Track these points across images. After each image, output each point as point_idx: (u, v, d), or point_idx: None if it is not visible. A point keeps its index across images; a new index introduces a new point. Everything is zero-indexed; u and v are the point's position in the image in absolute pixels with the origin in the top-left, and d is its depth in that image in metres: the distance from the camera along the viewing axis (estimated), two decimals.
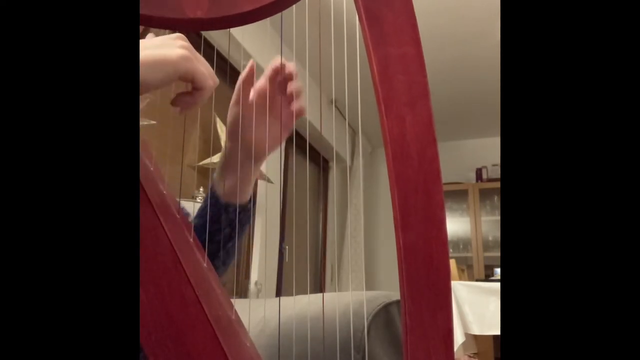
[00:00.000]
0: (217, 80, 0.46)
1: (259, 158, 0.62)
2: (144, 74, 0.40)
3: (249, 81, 0.59)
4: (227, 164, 0.62)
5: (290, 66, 0.58)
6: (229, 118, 0.60)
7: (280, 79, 0.59)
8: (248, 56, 2.21)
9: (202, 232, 0.58)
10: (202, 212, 0.64)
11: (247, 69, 0.59)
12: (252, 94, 0.60)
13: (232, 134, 0.61)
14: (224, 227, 0.62)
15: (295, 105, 0.57)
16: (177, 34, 0.45)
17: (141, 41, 0.43)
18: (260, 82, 0.60)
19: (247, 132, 0.59)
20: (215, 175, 0.64)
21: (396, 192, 0.36)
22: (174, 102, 0.45)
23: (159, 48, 0.42)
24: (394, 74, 0.38)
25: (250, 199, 0.65)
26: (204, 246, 0.52)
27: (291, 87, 0.57)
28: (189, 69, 0.42)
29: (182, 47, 0.43)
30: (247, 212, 0.64)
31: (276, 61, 0.58)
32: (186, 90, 0.45)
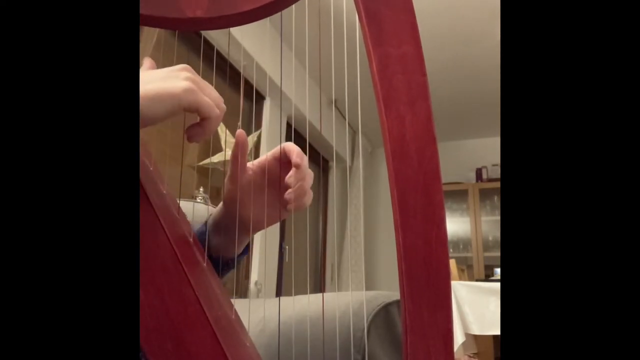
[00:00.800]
0: (223, 107, 0.46)
1: (254, 231, 0.61)
2: (147, 107, 0.40)
3: (242, 153, 0.56)
4: (219, 226, 0.61)
5: (298, 155, 0.56)
6: (224, 190, 0.59)
7: (285, 161, 0.57)
8: (248, 56, 2.21)
9: None
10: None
11: (235, 143, 0.55)
12: (250, 170, 0.58)
13: (226, 204, 0.60)
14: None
15: (296, 203, 0.56)
16: (183, 65, 0.45)
17: (144, 73, 0.43)
18: (261, 160, 0.58)
19: (241, 209, 0.58)
20: (209, 222, 0.63)
21: (396, 191, 0.36)
22: (188, 138, 0.45)
23: (163, 81, 0.42)
24: (393, 73, 0.38)
25: (244, 250, 0.63)
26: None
27: (298, 181, 0.55)
28: (192, 102, 0.42)
29: (187, 79, 0.43)
30: (236, 261, 0.63)
31: (286, 145, 0.57)
32: (195, 121, 0.45)
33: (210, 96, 0.44)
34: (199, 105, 0.42)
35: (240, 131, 0.55)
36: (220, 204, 0.61)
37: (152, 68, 0.50)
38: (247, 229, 0.59)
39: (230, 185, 0.58)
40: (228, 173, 0.58)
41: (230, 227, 0.59)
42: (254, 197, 0.58)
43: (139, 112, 0.39)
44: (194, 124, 0.44)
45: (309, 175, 0.57)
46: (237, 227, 0.58)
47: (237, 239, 0.59)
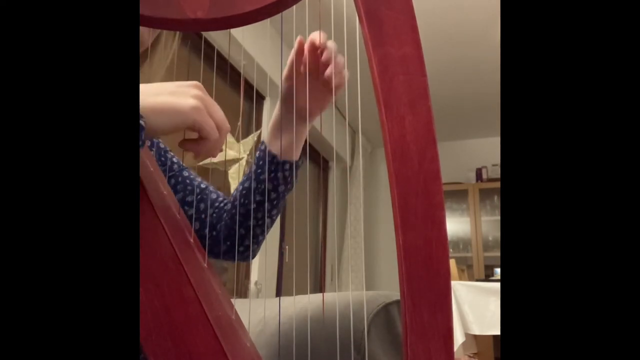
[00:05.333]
0: (227, 127, 0.47)
1: (311, 119, 0.67)
2: (153, 120, 0.41)
3: (300, 55, 0.61)
4: (282, 126, 0.66)
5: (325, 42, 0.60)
6: (283, 90, 0.64)
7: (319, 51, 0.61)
8: (248, 56, 2.21)
9: (256, 194, 0.66)
10: (255, 174, 0.69)
11: (296, 45, 0.61)
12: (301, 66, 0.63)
13: (285, 102, 0.64)
14: (280, 184, 0.67)
15: (335, 79, 0.60)
16: (194, 82, 0.46)
17: (155, 85, 0.44)
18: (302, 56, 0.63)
19: (300, 100, 0.63)
20: (267, 138, 0.68)
21: (396, 192, 0.36)
22: (180, 144, 0.46)
23: (172, 96, 0.43)
24: (394, 74, 0.38)
25: (301, 156, 0.69)
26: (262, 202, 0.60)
27: (328, 61, 0.59)
28: (197, 121, 0.43)
29: (195, 97, 0.44)
30: (298, 168, 0.69)
31: (313, 36, 0.61)
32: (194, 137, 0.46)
33: (215, 116, 0.45)
34: (202, 125, 0.43)
35: (300, 37, 0.60)
36: (278, 105, 0.66)
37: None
38: (304, 119, 0.65)
39: (286, 82, 0.63)
40: (285, 73, 0.63)
41: (290, 121, 0.65)
42: (304, 88, 0.62)
43: (140, 111, 0.40)
44: (191, 140, 0.46)
45: (337, 57, 0.60)
46: (298, 118, 0.65)
47: (298, 130, 0.66)
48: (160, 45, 0.69)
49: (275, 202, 0.69)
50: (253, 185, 0.68)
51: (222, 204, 0.75)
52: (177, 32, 0.72)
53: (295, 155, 0.68)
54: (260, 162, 0.68)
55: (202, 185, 0.75)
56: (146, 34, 0.62)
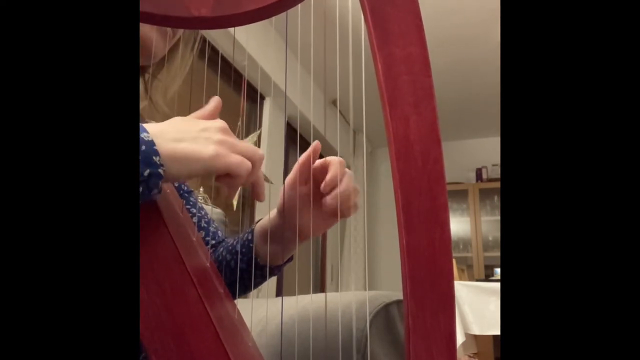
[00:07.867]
0: (260, 154, 0.45)
1: (305, 238, 0.63)
2: (172, 167, 0.41)
3: (307, 165, 0.58)
4: (273, 234, 0.62)
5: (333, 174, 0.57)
6: (283, 198, 0.60)
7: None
8: (252, 59, 2.21)
9: (227, 271, 0.63)
10: (233, 250, 0.66)
11: (309, 151, 0.57)
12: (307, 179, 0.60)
13: (281, 212, 0.61)
14: (250, 278, 0.64)
15: (343, 205, 0.57)
16: (219, 125, 0.44)
17: (177, 128, 0.43)
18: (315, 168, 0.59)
19: (294, 217, 0.59)
20: (256, 232, 0.65)
21: (400, 192, 0.36)
22: (220, 184, 0.45)
23: (193, 142, 0.42)
24: (398, 74, 0.38)
25: (288, 259, 0.66)
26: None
27: (337, 186, 0.56)
28: (220, 167, 0.42)
29: (217, 142, 0.43)
30: (280, 268, 0.66)
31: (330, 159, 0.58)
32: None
33: (242, 152, 0.44)
34: (227, 169, 0.43)
35: (317, 142, 0.56)
36: (273, 213, 0.63)
37: (217, 110, 0.49)
38: (302, 237, 0.61)
39: (290, 192, 0.59)
40: (290, 179, 0.59)
41: (284, 236, 0.61)
42: (307, 207, 0.59)
43: (159, 158, 0.40)
44: (224, 176, 0.44)
45: (346, 183, 0.57)
46: (290, 235, 0.61)
47: (288, 247, 0.62)
48: (178, 54, 0.67)
49: (240, 291, 0.66)
50: (227, 258, 0.66)
51: (209, 244, 0.72)
52: (195, 41, 0.69)
53: (280, 261, 0.65)
54: (243, 250, 0.65)
55: (203, 213, 0.73)
56: (161, 42, 0.60)
